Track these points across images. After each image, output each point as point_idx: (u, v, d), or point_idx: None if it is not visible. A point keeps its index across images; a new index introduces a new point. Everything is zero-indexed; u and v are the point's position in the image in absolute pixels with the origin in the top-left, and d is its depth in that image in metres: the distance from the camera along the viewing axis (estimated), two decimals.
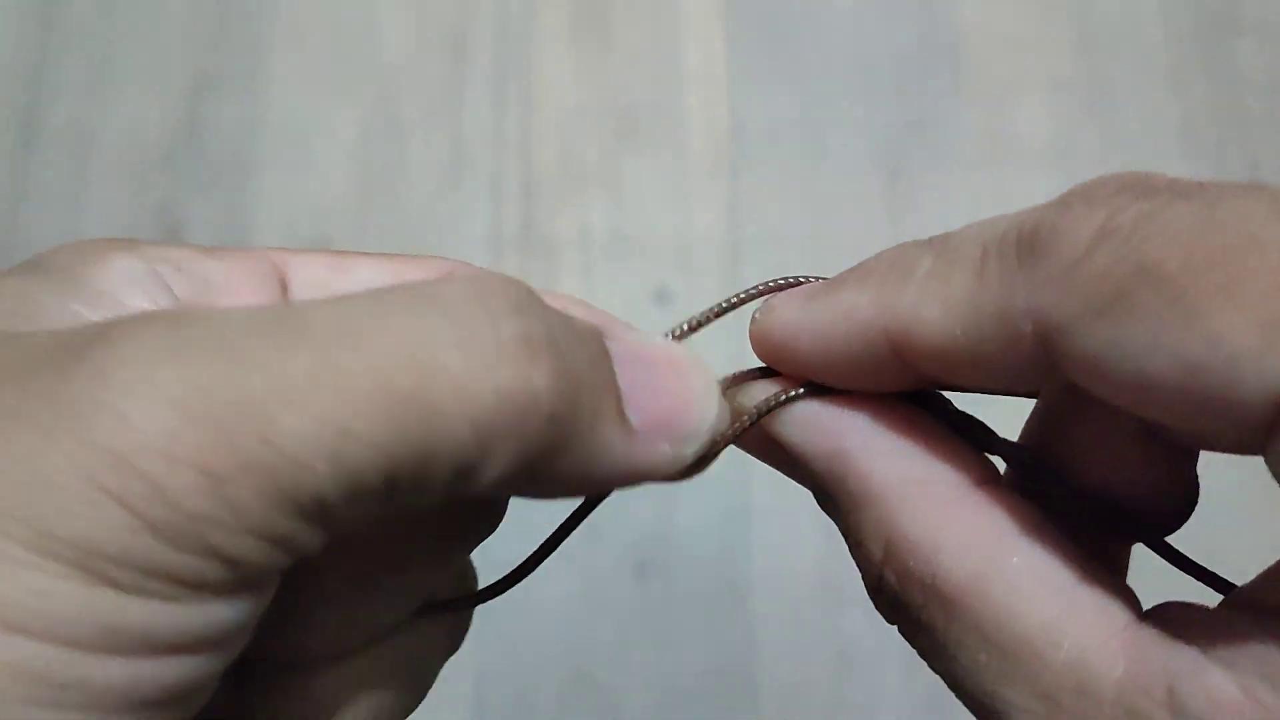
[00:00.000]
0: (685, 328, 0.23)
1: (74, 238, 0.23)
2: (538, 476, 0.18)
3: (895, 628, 0.21)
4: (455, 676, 0.72)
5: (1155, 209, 0.17)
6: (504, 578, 0.22)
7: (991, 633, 0.19)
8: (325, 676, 0.22)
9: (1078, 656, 0.18)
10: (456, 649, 0.25)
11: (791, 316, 0.22)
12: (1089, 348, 0.17)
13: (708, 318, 0.23)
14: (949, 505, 0.20)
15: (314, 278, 0.23)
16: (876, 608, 0.19)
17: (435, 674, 0.24)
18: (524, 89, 0.85)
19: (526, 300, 0.18)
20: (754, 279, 0.24)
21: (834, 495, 0.21)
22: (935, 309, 0.20)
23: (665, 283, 0.78)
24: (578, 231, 0.80)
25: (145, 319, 0.16)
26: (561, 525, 0.22)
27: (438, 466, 0.17)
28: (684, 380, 0.20)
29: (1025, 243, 0.19)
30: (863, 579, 0.20)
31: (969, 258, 0.21)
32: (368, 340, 0.16)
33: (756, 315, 0.22)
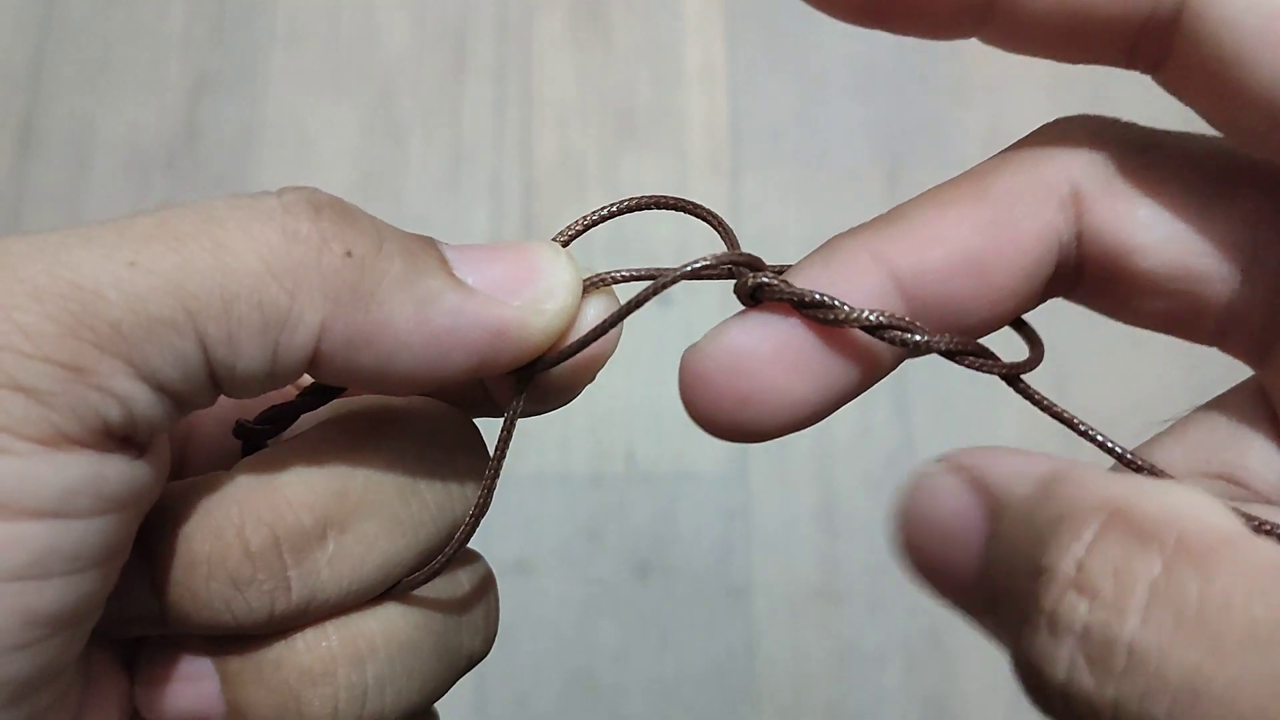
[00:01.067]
0: (561, 240, 0.22)
1: None
2: (371, 327, 0.18)
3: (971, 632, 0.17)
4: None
5: None
6: (459, 533, 0.22)
7: (1270, 578, 0.13)
8: (299, 652, 0.21)
9: None
10: (483, 652, 0.25)
11: None
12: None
13: (589, 222, 0.23)
14: (1185, 489, 0.16)
15: None
16: (1055, 616, 0.14)
17: (452, 672, 0.24)
18: (524, 89, 0.85)
19: (321, 191, 0.19)
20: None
21: (1036, 505, 0.16)
22: (937, 226, 0.20)
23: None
24: None
25: None
26: (497, 448, 0.21)
27: (240, 303, 0.17)
28: (523, 251, 0.21)
29: (1036, 134, 0.20)
30: (1045, 568, 0.15)
31: (959, 181, 0.21)
32: (159, 213, 0.18)
33: None
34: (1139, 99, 0.88)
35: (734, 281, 0.21)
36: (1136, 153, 0.20)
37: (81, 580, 0.17)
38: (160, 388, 0.18)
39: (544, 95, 0.85)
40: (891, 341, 0.20)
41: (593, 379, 0.22)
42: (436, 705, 0.25)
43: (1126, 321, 0.22)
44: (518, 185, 0.82)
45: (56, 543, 0.17)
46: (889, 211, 0.22)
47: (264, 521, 0.20)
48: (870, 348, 0.21)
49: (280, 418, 0.22)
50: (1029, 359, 0.23)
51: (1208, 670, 0.13)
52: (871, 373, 0.21)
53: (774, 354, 0.20)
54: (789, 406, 0.20)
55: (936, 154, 0.83)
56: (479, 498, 0.22)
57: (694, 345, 0.21)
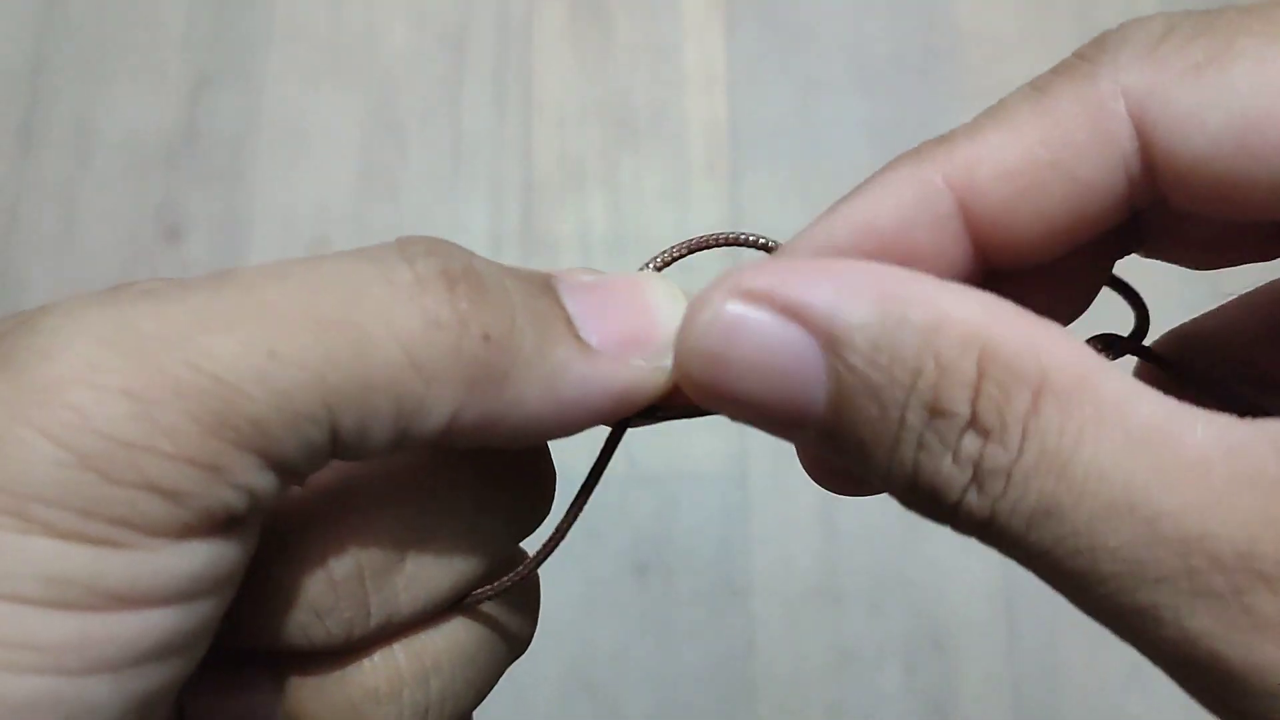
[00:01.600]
0: (655, 264, 0.22)
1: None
2: (503, 408, 0.18)
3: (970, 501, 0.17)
4: None
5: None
6: (538, 552, 0.22)
7: (1115, 418, 0.16)
8: (366, 673, 0.21)
9: (1219, 435, 0.16)
10: (522, 651, 0.24)
11: (821, 233, 0.21)
12: (1187, 104, 0.17)
13: (679, 253, 0.22)
14: (1036, 320, 0.17)
15: None
16: (958, 452, 0.16)
17: (497, 675, 0.24)
18: (524, 89, 0.85)
19: (445, 244, 0.18)
20: None
21: (890, 335, 0.17)
22: (999, 134, 0.20)
23: None
24: (577, 231, 0.80)
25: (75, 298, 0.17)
26: (590, 472, 0.21)
27: (379, 395, 0.17)
28: (638, 294, 0.20)
29: (1093, 45, 0.19)
30: (942, 410, 0.16)
31: (1018, 95, 0.20)
32: (293, 278, 0.17)
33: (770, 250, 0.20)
34: None
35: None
36: (1195, 65, 0.18)
37: (195, 654, 0.18)
38: (286, 473, 0.17)
39: (544, 95, 0.85)
40: None
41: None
42: None
43: (1206, 264, 0.22)
44: (518, 185, 0.82)
45: (178, 625, 0.17)
46: (948, 133, 0.22)
47: (348, 551, 0.20)
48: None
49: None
50: (1136, 328, 0.22)
51: (1059, 495, 0.16)
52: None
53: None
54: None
55: None
56: (563, 521, 0.22)
57: None
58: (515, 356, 0.18)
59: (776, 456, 0.75)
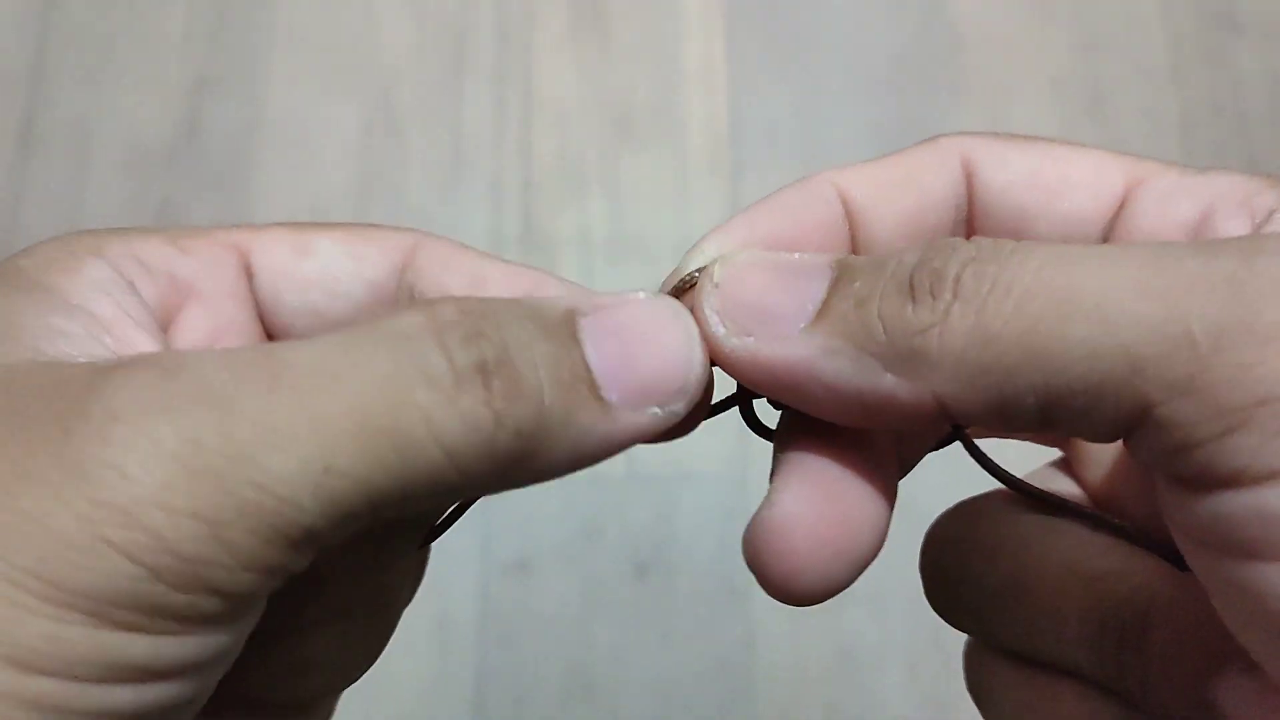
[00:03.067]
0: (678, 285, 0.23)
1: None
2: (523, 474, 0.19)
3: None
4: (455, 676, 0.72)
5: None
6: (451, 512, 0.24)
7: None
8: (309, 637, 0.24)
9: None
10: (417, 588, 0.27)
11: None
12: (997, 152, 0.25)
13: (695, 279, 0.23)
14: None
15: (277, 264, 0.24)
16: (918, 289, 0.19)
17: (398, 618, 0.26)
18: (524, 89, 0.85)
19: (478, 324, 0.19)
20: None
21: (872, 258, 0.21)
22: (871, 166, 0.26)
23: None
24: (577, 231, 0.80)
25: (132, 369, 0.18)
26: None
27: (417, 489, 0.18)
28: (658, 343, 0.21)
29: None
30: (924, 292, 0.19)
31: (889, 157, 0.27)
32: (342, 383, 0.18)
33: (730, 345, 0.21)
34: (1137, 99, 0.87)
35: None
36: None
37: (205, 696, 0.19)
38: (314, 555, 0.19)
39: (544, 95, 0.85)
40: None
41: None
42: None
43: None
44: (518, 185, 0.82)
45: (201, 688, 0.19)
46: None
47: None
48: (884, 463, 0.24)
49: (457, 513, 0.24)
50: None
51: (1000, 310, 0.19)
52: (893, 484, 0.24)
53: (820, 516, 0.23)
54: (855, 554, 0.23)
55: None
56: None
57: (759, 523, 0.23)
58: (544, 439, 0.19)
59: None
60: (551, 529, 0.74)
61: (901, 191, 0.24)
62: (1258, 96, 0.85)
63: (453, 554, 0.73)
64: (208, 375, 0.18)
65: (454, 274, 0.24)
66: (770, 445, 0.25)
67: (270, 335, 0.24)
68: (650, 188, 0.82)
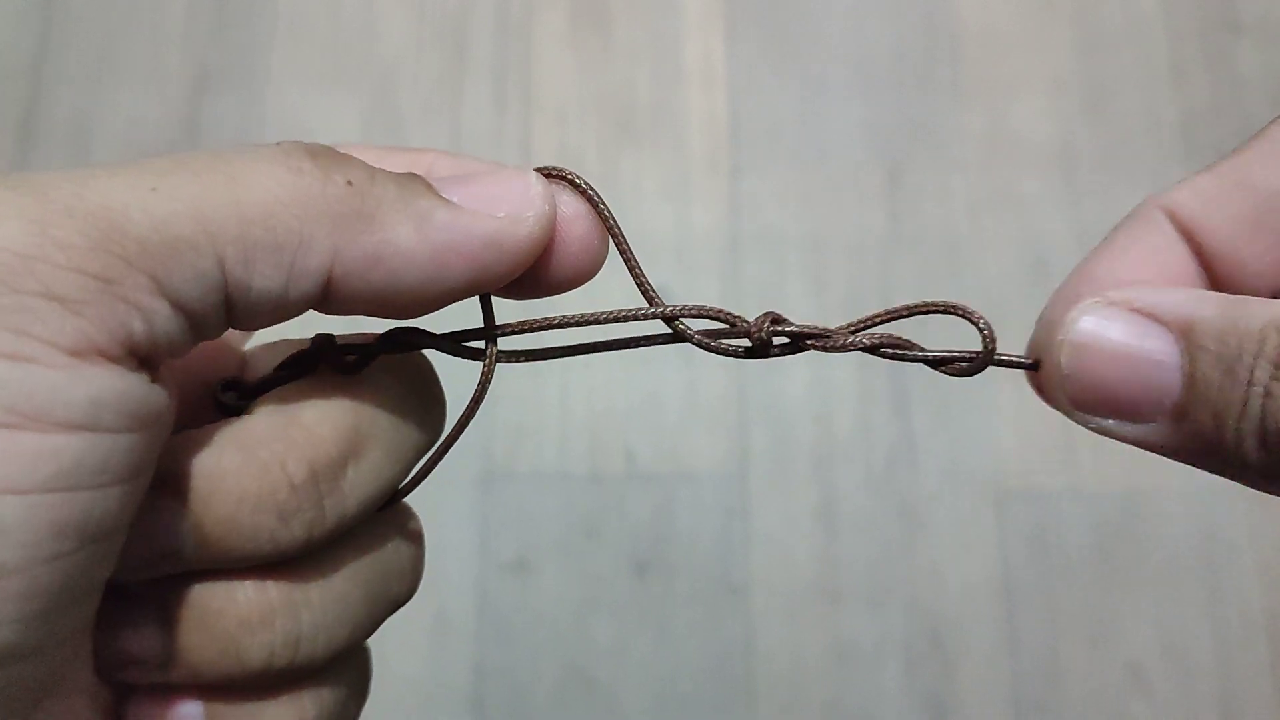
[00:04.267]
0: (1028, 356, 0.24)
1: None
2: (377, 247, 0.21)
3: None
4: (455, 675, 0.72)
5: None
6: (445, 437, 0.25)
7: None
8: (240, 604, 0.22)
9: None
10: (406, 599, 0.26)
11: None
12: None
13: (875, 321, 0.24)
14: None
15: None
16: None
17: (376, 617, 0.25)
18: (524, 87, 0.85)
19: (316, 146, 0.21)
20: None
21: (1235, 321, 0.21)
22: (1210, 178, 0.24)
23: (664, 280, 0.78)
24: None
25: None
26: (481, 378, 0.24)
27: (255, 227, 0.19)
28: (496, 171, 0.23)
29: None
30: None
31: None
32: (172, 154, 0.20)
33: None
34: (1139, 99, 0.87)
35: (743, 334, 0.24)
36: None
37: (106, 495, 0.18)
38: (179, 306, 0.19)
39: (544, 94, 0.85)
40: (895, 359, 0.23)
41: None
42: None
43: None
44: None
45: (83, 456, 0.18)
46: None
47: (304, 457, 0.22)
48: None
49: (255, 391, 0.24)
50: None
51: None
52: None
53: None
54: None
55: (936, 154, 0.83)
56: (463, 414, 0.24)
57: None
58: (379, 200, 0.21)
59: (776, 456, 0.75)
60: (550, 527, 0.74)
61: (1231, 196, 0.23)
62: (1258, 97, 0.85)
63: (451, 552, 0.73)
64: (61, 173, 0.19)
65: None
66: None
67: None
68: (650, 186, 0.82)
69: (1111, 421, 0.22)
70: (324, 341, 0.23)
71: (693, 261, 0.79)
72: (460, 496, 0.74)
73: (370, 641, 0.25)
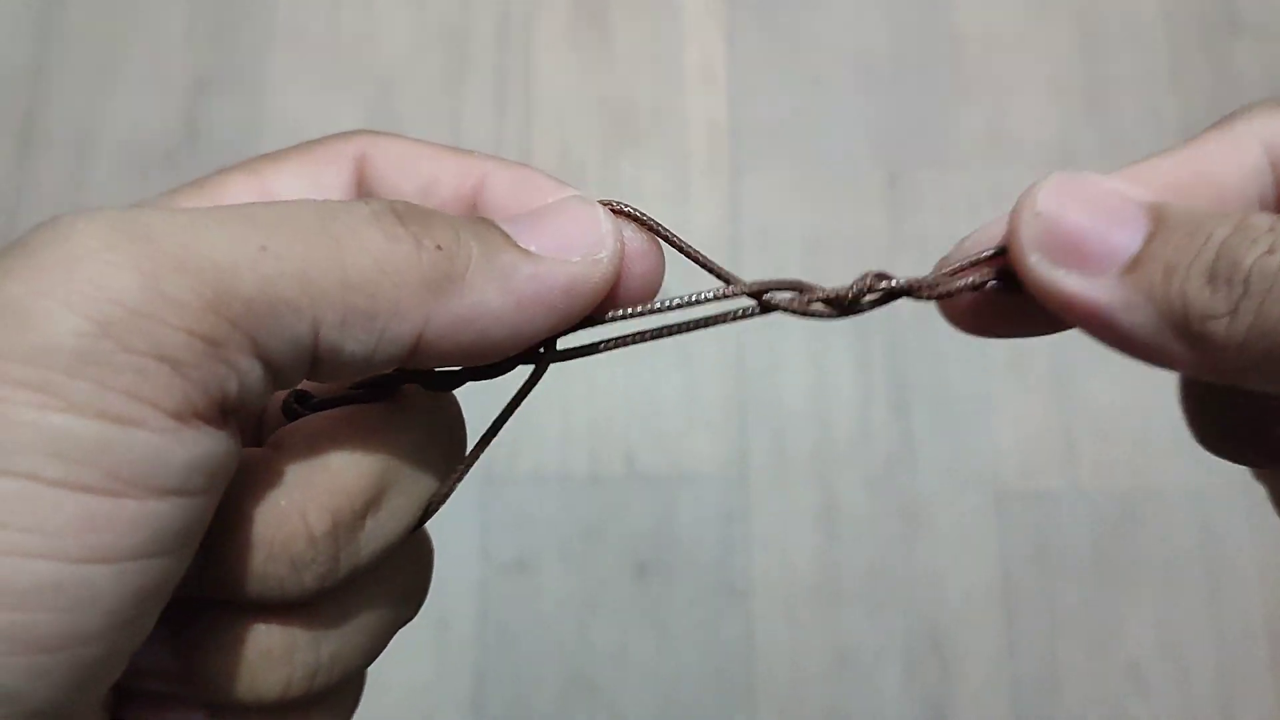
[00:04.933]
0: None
1: None
2: (468, 310, 0.21)
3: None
4: (455, 676, 0.72)
5: None
6: (475, 446, 0.24)
7: None
8: (261, 634, 0.22)
9: None
10: (413, 615, 0.26)
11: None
12: None
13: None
14: None
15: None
16: (1258, 233, 0.20)
17: (387, 638, 0.25)
18: (524, 88, 0.85)
19: (399, 203, 0.21)
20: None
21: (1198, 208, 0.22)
22: None
23: (664, 281, 0.78)
24: None
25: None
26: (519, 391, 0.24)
27: (355, 294, 0.19)
28: (565, 209, 0.23)
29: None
30: (1248, 223, 0.21)
31: None
32: (276, 205, 0.20)
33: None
34: (1139, 99, 0.87)
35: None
36: None
37: (182, 556, 0.18)
38: (270, 365, 0.19)
39: (544, 95, 0.85)
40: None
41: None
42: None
43: None
44: None
45: (174, 521, 0.18)
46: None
47: (326, 506, 0.21)
48: None
49: (326, 405, 0.24)
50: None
51: None
52: None
53: None
54: None
55: (936, 154, 0.83)
56: (493, 425, 0.24)
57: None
58: (467, 261, 0.21)
59: (776, 457, 0.75)
60: (551, 529, 0.74)
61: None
62: (1258, 97, 0.84)
63: (452, 554, 0.73)
64: (161, 207, 0.19)
65: (407, 176, 0.25)
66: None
67: None
68: (650, 187, 0.82)
69: (1062, 272, 0.22)
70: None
71: (692, 263, 0.79)
72: (461, 499, 0.74)
73: None
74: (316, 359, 0.20)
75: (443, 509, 0.24)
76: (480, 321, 0.21)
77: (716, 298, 0.25)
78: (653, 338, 0.25)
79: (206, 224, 0.18)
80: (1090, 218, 0.22)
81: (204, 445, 0.18)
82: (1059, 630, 0.74)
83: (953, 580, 0.74)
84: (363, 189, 0.25)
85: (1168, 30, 0.86)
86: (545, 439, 0.75)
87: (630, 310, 0.24)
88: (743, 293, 0.24)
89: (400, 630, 0.26)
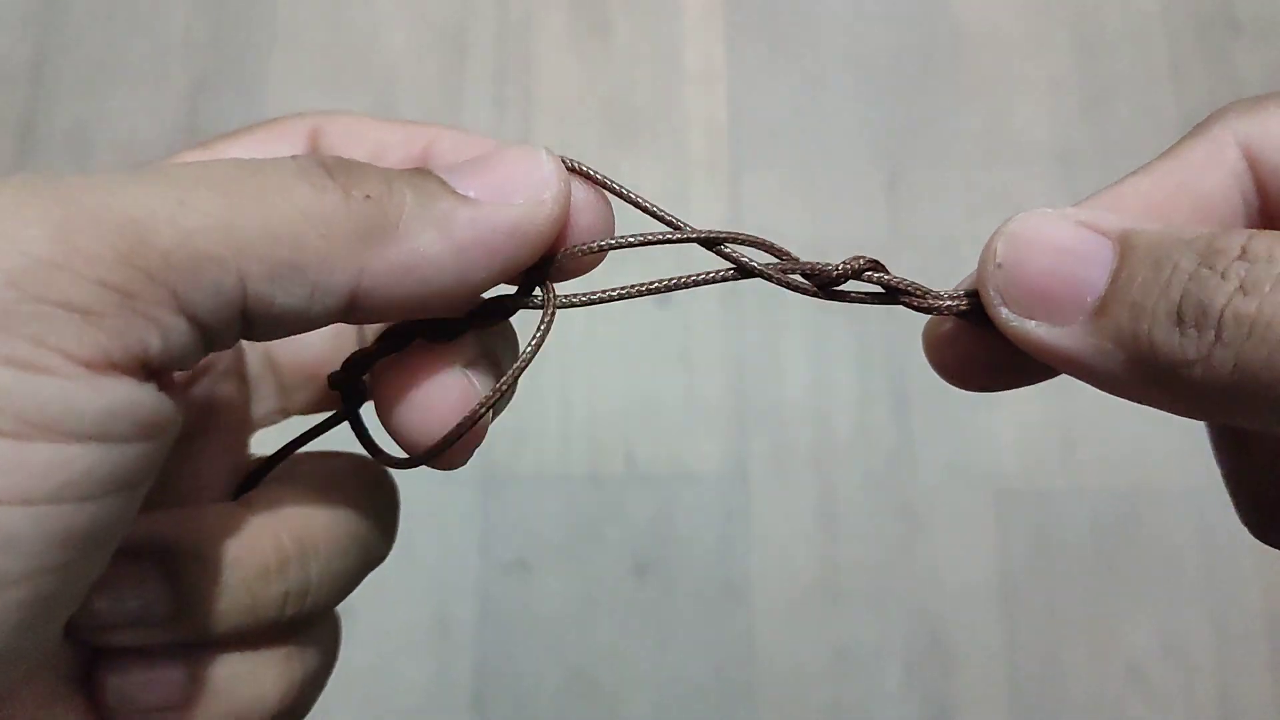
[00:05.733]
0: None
1: None
2: (406, 258, 0.21)
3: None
4: (456, 676, 0.72)
5: None
6: (514, 368, 0.24)
7: None
8: (255, 552, 0.24)
9: None
10: (378, 562, 0.28)
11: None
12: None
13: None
14: None
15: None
16: (1226, 271, 0.20)
17: (357, 580, 0.27)
18: (524, 88, 0.85)
19: (326, 157, 0.21)
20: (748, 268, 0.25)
21: (1173, 230, 0.22)
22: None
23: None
24: None
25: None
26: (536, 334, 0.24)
27: (281, 246, 0.19)
28: (506, 154, 0.23)
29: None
30: (1217, 249, 0.20)
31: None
32: (195, 164, 0.20)
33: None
34: (1137, 99, 0.87)
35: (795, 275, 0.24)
36: None
37: (112, 503, 0.18)
38: (196, 321, 0.19)
39: (544, 95, 0.85)
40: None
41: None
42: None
43: None
44: None
45: (93, 467, 0.18)
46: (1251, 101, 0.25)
47: (287, 554, 0.23)
48: None
49: (361, 364, 0.24)
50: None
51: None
52: None
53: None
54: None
55: (936, 154, 0.83)
56: (522, 358, 0.24)
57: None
58: (400, 209, 0.21)
59: (776, 457, 0.75)
60: (551, 529, 0.74)
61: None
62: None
63: (452, 554, 0.73)
64: (89, 175, 0.19)
65: (357, 143, 0.25)
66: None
67: None
68: (650, 187, 0.82)
69: (1033, 323, 0.21)
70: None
71: (692, 263, 0.79)
72: (461, 498, 0.74)
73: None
74: (247, 314, 0.20)
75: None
76: (420, 269, 0.21)
77: (665, 240, 0.25)
78: (648, 293, 0.25)
79: (124, 181, 0.18)
80: (1052, 262, 0.21)
81: (121, 393, 0.18)
82: (1059, 630, 0.74)
83: (953, 579, 0.75)
84: None
85: (1167, 30, 0.86)
86: (545, 439, 0.76)
87: (582, 248, 0.23)
88: (692, 239, 0.24)
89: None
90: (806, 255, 0.24)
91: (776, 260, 0.24)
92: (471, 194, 0.22)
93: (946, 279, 0.25)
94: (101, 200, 0.18)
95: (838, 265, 0.23)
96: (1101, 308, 0.20)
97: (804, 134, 0.84)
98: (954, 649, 0.73)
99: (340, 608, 0.26)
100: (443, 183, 0.22)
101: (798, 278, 0.23)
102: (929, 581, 0.74)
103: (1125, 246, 0.21)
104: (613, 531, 0.74)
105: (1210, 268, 0.19)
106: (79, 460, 0.17)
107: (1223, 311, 0.19)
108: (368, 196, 0.20)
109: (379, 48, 0.86)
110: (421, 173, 0.22)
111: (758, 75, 0.85)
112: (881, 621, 0.74)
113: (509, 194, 0.22)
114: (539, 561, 0.74)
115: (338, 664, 0.27)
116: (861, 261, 0.23)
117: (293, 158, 0.20)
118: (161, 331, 0.18)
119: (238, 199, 0.19)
